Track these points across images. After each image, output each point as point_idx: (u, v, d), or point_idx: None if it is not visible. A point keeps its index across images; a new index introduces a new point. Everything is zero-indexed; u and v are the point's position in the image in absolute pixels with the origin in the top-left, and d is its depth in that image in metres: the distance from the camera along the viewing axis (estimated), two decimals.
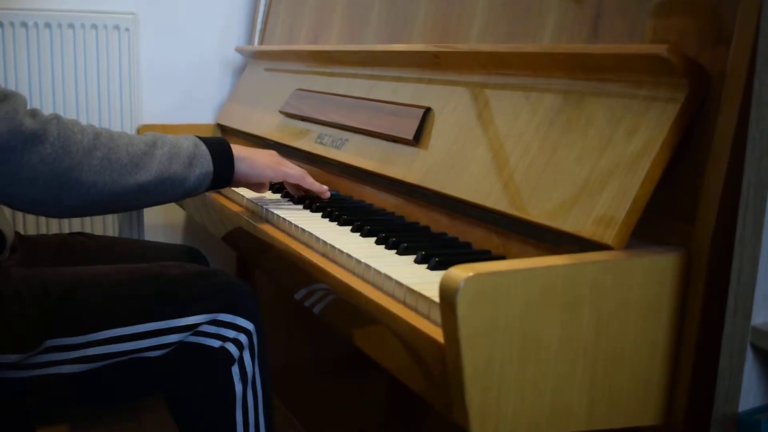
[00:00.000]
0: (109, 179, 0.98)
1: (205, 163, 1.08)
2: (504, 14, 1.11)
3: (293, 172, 1.20)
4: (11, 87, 1.78)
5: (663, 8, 0.85)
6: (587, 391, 0.73)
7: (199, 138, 1.11)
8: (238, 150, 1.14)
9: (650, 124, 0.78)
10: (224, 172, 1.11)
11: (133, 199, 1.03)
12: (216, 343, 1.07)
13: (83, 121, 1.86)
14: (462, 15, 1.21)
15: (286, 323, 1.85)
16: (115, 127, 1.91)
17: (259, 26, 2.01)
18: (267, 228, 1.16)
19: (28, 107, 0.96)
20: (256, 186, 1.22)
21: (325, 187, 1.23)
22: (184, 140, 1.08)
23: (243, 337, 1.08)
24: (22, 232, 1.28)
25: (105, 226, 1.94)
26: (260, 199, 1.29)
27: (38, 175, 0.93)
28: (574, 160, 0.85)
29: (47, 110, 1.82)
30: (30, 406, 1.32)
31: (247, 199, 1.30)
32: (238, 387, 1.09)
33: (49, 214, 1.01)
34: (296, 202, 1.26)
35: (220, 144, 1.12)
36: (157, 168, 1.03)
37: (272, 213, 1.18)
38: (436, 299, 0.71)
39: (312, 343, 1.79)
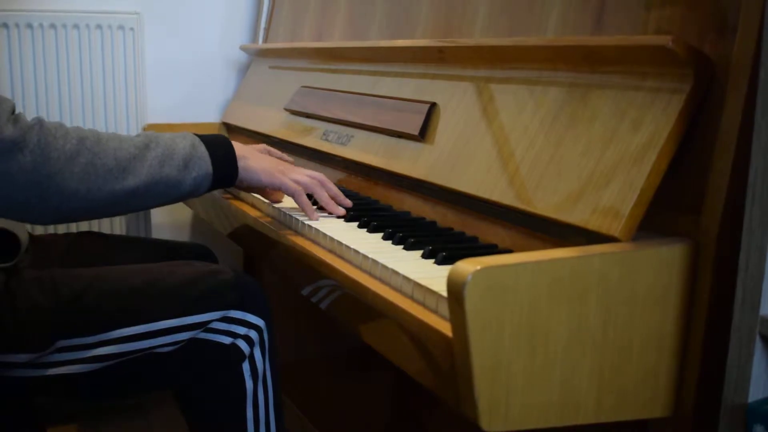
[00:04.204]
0: (94, 186, 0.94)
1: (203, 164, 1.03)
2: (507, 8, 1.11)
3: (289, 185, 1.11)
4: (17, 87, 1.79)
5: None
6: (595, 383, 0.74)
7: (199, 137, 1.06)
8: (240, 149, 1.09)
9: (656, 116, 0.78)
10: (225, 173, 1.06)
11: (124, 204, 0.99)
12: (227, 340, 1.08)
13: (89, 121, 1.90)
14: (465, 9, 1.21)
15: (293, 320, 1.85)
16: (121, 127, 1.91)
17: (263, 24, 2.01)
18: (273, 224, 1.16)
19: (17, 111, 0.93)
20: (266, 193, 1.19)
21: (315, 214, 1.12)
22: (181, 140, 1.03)
23: (254, 334, 1.09)
24: (32, 232, 1.29)
25: (112, 224, 1.95)
26: None
27: (17, 183, 0.90)
28: (580, 153, 0.85)
29: (53, 111, 1.84)
30: (40, 406, 1.33)
31: (254, 196, 1.30)
32: (249, 383, 1.09)
33: (32, 221, 0.97)
34: None
35: (221, 144, 1.07)
36: (148, 172, 0.98)
37: (279, 210, 1.18)
38: (444, 294, 0.71)
39: (319, 340, 1.80)
